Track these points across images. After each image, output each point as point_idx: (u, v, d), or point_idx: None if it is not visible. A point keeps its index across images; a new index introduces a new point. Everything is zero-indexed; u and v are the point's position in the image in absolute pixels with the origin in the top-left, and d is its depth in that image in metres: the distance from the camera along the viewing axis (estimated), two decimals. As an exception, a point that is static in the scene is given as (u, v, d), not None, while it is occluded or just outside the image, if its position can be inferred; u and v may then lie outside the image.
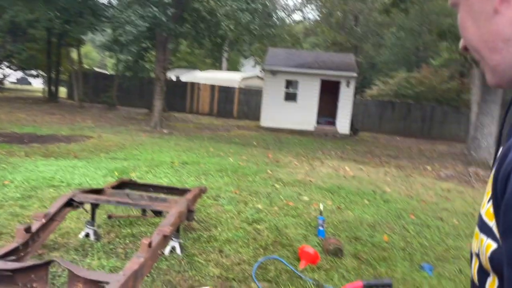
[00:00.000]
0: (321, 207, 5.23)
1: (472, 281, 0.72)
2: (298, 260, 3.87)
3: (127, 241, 4.00)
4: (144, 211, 4.17)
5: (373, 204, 6.35)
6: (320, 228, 4.60)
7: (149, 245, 2.82)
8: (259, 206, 5.63)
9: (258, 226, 4.78)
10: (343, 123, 19.26)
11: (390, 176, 9.28)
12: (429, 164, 11.83)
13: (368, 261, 4.07)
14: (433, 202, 6.91)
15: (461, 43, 0.74)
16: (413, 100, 25.20)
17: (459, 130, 22.95)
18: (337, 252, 4.07)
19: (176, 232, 3.78)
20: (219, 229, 4.57)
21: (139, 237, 4.11)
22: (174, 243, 3.81)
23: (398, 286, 3.58)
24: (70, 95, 26.82)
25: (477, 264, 0.69)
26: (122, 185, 4.60)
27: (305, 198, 6.32)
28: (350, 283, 1.47)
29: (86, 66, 30.60)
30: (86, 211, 4.08)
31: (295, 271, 3.63)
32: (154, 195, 4.25)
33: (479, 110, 12.28)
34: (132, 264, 2.61)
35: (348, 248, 4.34)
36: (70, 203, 3.67)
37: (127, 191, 4.39)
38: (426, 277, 3.80)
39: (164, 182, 6.50)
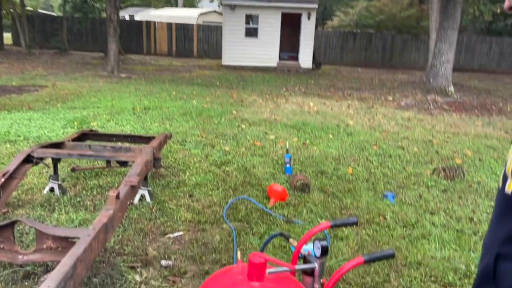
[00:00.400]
0: (287, 144, 5.30)
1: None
2: (268, 198, 3.96)
3: (95, 193, 3.95)
4: (108, 162, 4.08)
5: (337, 138, 6.50)
6: (287, 165, 4.69)
7: (117, 196, 2.79)
8: (226, 148, 5.64)
9: (227, 168, 4.82)
10: (305, 58, 19.12)
11: (353, 109, 9.45)
12: (390, 94, 12.09)
13: (334, 194, 4.22)
14: (395, 132, 7.15)
15: (506, 4, 0.88)
16: (373, 30, 25.16)
17: (419, 58, 23.36)
18: (304, 188, 4.19)
19: (144, 180, 3.75)
20: (187, 173, 4.57)
21: (107, 188, 4.07)
22: (143, 191, 3.80)
23: (363, 216, 3.76)
24: (16, 42, 25.00)
25: None
26: (83, 136, 4.46)
27: (271, 136, 6.37)
28: (318, 224, 1.51)
29: (29, 8, 28.34)
30: (48, 166, 3.95)
31: (265, 209, 3.73)
32: (117, 145, 4.15)
33: (437, 37, 12.42)
34: (101, 218, 2.58)
35: (314, 183, 4.47)
36: (30, 160, 3.54)
37: (89, 142, 4.26)
38: (389, 205, 4.00)
39: (127, 130, 6.35)
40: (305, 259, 1.47)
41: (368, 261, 1.36)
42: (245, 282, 1.32)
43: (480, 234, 3.51)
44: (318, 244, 1.40)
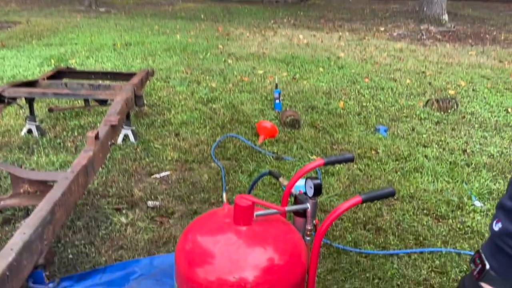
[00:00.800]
0: (276, 79, 5.08)
1: None
2: (256, 135, 3.83)
3: (76, 134, 3.78)
4: (86, 101, 3.86)
5: (328, 72, 6.27)
6: (276, 101, 4.52)
7: (96, 137, 2.62)
8: (213, 84, 5.40)
9: (214, 105, 4.63)
10: (294, -13, 18.17)
11: (344, 40, 9.11)
12: (382, 25, 11.66)
13: (325, 129, 4.10)
14: (387, 64, 6.92)
15: None
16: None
17: (411, -13, 22.38)
18: (294, 124, 4.05)
19: (127, 119, 3.57)
20: (173, 112, 4.38)
21: (88, 128, 3.89)
22: (126, 131, 3.63)
23: (354, 150, 3.67)
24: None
25: None
26: (59, 74, 4.18)
27: (260, 71, 6.12)
28: (310, 162, 1.37)
29: None
30: (21, 106, 3.73)
31: (254, 146, 3.60)
32: (96, 83, 3.91)
33: (433, -37, 11.75)
34: (80, 160, 2.43)
35: (305, 118, 4.33)
36: (1, 100, 3.31)
37: (65, 80, 4.01)
38: (381, 139, 3.91)
39: (108, 67, 6.03)
40: (296, 199, 1.35)
41: (366, 201, 1.25)
42: (231, 226, 1.21)
43: (473, 165, 3.45)
44: (310, 183, 1.27)
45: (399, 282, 2.15)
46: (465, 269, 2.26)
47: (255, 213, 1.21)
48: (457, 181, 3.20)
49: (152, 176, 3.13)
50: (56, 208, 2.01)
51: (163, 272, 2.15)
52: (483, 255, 0.88)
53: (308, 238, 1.34)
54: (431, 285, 2.15)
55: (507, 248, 0.85)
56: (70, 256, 2.24)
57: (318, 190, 1.25)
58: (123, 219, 2.59)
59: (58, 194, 2.07)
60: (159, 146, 3.59)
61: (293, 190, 1.45)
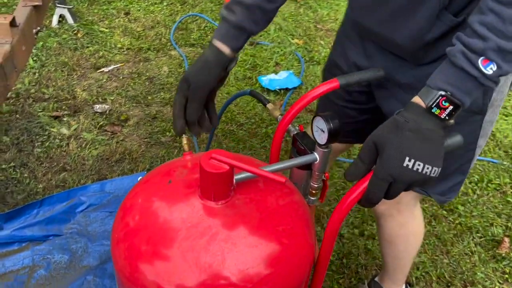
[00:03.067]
0: None
1: None
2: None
3: None
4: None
5: None
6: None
7: (12, 24, 1.95)
8: None
9: (171, -27, 3.78)
10: None
11: None
12: None
13: (307, 3, 3.43)
14: None
15: None
16: None
17: None
18: (271, -3, 3.35)
19: (60, -5, 2.80)
20: (120, -18, 3.54)
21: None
22: (61, 10, 2.88)
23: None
24: None
25: None
26: None
27: None
28: (321, 84, 0.87)
29: None
30: None
31: (223, 28, 2.96)
32: None
33: None
34: (-8, 57, 1.82)
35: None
36: None
37: None
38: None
39: None
40: (297, 144, 0.88)
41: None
42: (198, 202, 0.75)
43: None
44: (322, 123, 0.79)
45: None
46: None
47: (235, 177, 0.74)
48: None
49: (98, 71, 2.53)
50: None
51: (118, 200, 1.74)
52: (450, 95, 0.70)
53: (312, 199, 0.91)
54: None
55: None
56: (-4, 185, 1.77)
57: (334, 134, 0.78)
58: (64, 130, 2.08)
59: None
60: (105, 29, 2.90)
61: (273, 105, 0.97)
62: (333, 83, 0.86)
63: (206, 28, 2.98)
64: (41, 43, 2.65)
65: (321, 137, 0.80)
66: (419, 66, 0.92)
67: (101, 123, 2.15)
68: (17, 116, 2.13)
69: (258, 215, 0.76)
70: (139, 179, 1.80)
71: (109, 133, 2.11)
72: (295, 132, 0.90)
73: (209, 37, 2.88)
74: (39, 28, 2.26)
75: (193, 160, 0.85)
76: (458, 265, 1.70)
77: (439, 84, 0.71)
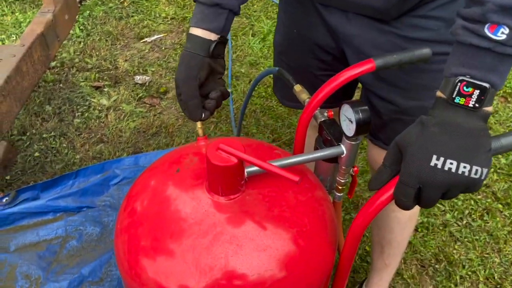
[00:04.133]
0: None
1: None
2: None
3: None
4: None
5: None
6: None
7: (55, -7, 1.95)
8: None
9: None
10: None
11: None
12: None
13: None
14: None
15: None
16: None
17: None
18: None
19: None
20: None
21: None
22: (108, -22, 2.86)
23: None
24: None
25: None
26: None
27: None
28: (355, 64, 0.75)
29: None
30: None
31: (270, -3, 2.83)
32: None
33: None
34: (34, 26, 1.82)
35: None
36: None
37: None
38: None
39: None
40: (323, 133, 0.78)
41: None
42: (203, 197, 0.67)
43: None
44: (351, 113, 0.68)
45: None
46: None
47: (247, 169, 0.66)
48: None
49: (141, 41, 2.51)
50: (0, 98, 1.51)
51: (151, 174, 1.72)
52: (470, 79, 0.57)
53: (339, 195, 0.81)
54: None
55: None
56: (37, 153, 1.81)
57: (364, 125, 0.67)
58: (104, 101, 2.09)
59: (1, 81, 1.55)
60: (151, -2, 2.86)
61: (301, 87, 0.87)
62: (368, 64, 0.74)
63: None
64: (87, 11, 2.66)
65: (349, 128, 0.69)
66: (394, 19, 0.83)
67: (140, 94, 2.13)
68: (61, 85, 2.16)
69: (270, 213, 0.68)
70: (172, 154, 1.77)
71: (148, 105, 2.09)
72: (322, 119, 0.79)
73: (255, 6, 2.76)
74: (83, -4, 2.26)
75: (206, 147, 0.78)
76: (510, 265, 1.54)
77: (453, 70, 0.58)
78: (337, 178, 0.78)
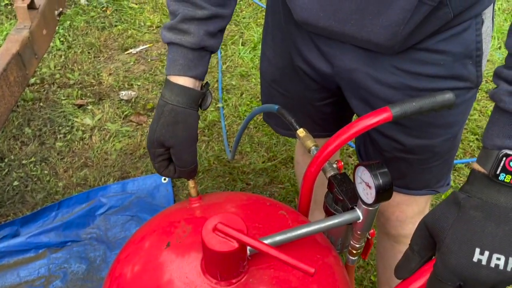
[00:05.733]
0: None
1: None
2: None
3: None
4: None
5: None
6: None
7: (31, 6, 1.83)
8: None
9: None
10: None
11: None
12: None
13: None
14: None
15: None
16: None
17: None
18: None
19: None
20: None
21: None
22: (88, -15, 2.73)
23: None
24: None
25: None
26: None
27: None
28: (370, 113, 0.65)
29: None
30: None
31: (259, 3, 2.72)
32: None
33: None
34: (9, 45, 1.70)
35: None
36: None
37: None
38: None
39: None
40: (334, 191, 0.68)
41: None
42: (198, 282, 0.57)
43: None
44: (369, 178, 0.59)
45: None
46: None
47: (248, 248, 0.56)
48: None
49: (126, 52, 2.38)
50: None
51: (139, 202, 1.62)
52: None
53: (352, 259, 0.71)
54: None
55: None
56: (16, 182, 1.69)
57: (385, 193, 0.57)
58: (87, 120, 1.97)
59: (-29, 109, 1.43)
60: (135, 4, 2.73)
61: (305, 131, 0.77)
62: (385, 113, 0.65)
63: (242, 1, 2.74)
64: (68, 22, 2.52)
65: (366, 193, 0.60)
66: (397, 54, 0.73)
67: (126, 112, 2.02)
68: (41, 104, 2.04)
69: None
70: (162, 179, 1.67)
71: (134, 123, 1.98)
72: (332, 174, 0.70)
73: (244, 12, 2.65)
74: (61, 9, 2.13)
75: (201, 211, 0.68)
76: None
77: (496, 142, 0.50)
78: (351, 242, 0.69)
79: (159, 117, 0.69)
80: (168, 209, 0.73)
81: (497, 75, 0.53)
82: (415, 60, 0.73)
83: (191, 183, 0.71)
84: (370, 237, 0.68)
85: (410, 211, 0.91)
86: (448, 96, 0.66)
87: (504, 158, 0.48)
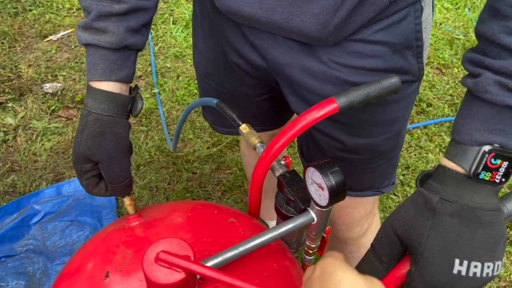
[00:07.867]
0: None
1: None
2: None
3: None
4: None
5: None
6: None
7: None
8: None
9: None
10: None
11: None
12: None
13: None
14: None
15: None
16: None
17: None
18: None
19: None
20: None
21: None
22: (-7, -34, 2.43)
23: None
24: None
25: None
26: None
27: None
28: (319, 104, 0.60)
29: None
30: None
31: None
32: None
33: None
34: None
35: None
36: None
37: None
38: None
39: None
40: (283, 185, 0.64)
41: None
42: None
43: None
44: (320, 179, 0.55)
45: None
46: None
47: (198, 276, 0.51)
48: (458, 8, 2.47)
49: (45, 40, 2.17)
50: None
51: (78, 204, 1.50)
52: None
53: (309, 258, 0.68)
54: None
55: None
56: None
57: (339, 194, 0.54)
58: (9, 120, 1.78)
59: None
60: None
61: (248, 128, 0.72)
62: (331, 105, 0.60)
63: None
64: (-28, 9, 2.25)
65: (319, 194, 0.56)
66: (333, 46, 0.66)
67: (53, 107, 1.85)
68: (-48, 106, 1.82)
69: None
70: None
71: (64, 119, 1.82)
72: (281, 172, 0.65)
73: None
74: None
75: (142, 230, 0.61)
76: None
77: (477, 137, 0.47)
78: (307, 243, 0.65)
79: (83, 128, 0.61)
80: (103, 230, 0.65)
81: (476, 63, 0.48)
82: (352, 52, 0.66)
83: (126, 200, 0.63)
84: (325, 235, 0.64)
85: (357, 214, 0.87)
86: (394, 80, 0.63)
87: (486, 155, 0.45)
